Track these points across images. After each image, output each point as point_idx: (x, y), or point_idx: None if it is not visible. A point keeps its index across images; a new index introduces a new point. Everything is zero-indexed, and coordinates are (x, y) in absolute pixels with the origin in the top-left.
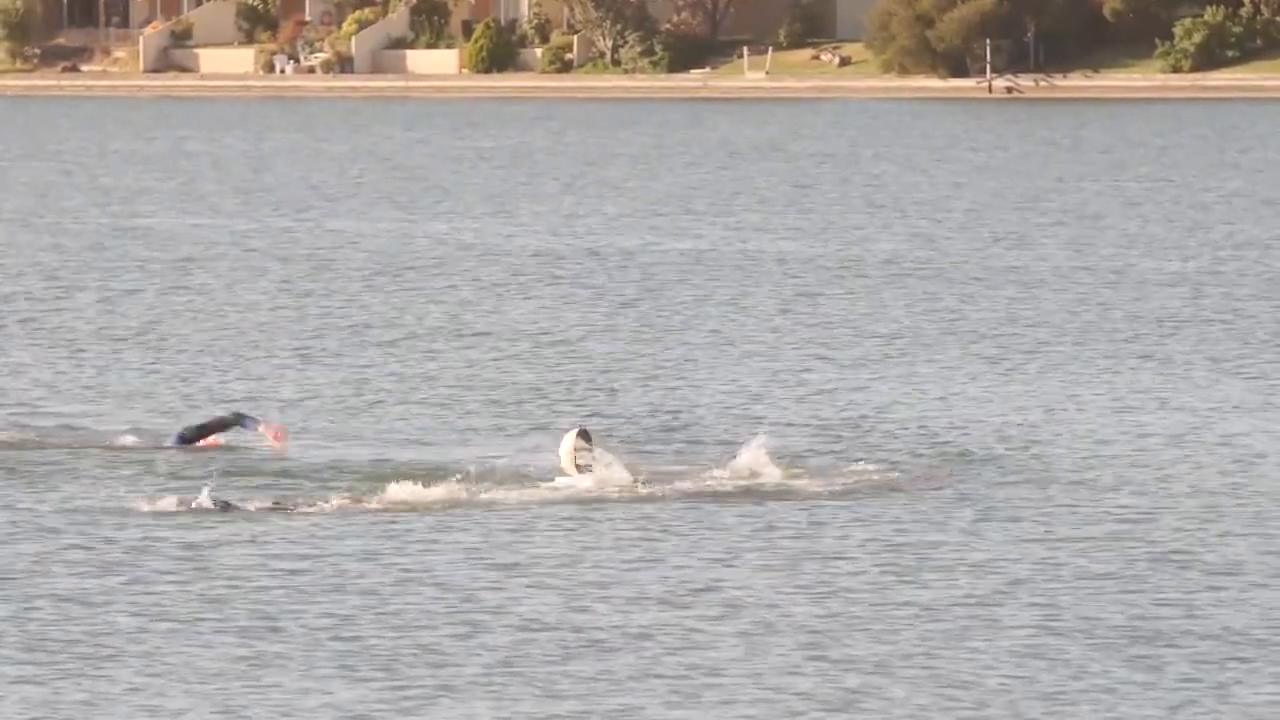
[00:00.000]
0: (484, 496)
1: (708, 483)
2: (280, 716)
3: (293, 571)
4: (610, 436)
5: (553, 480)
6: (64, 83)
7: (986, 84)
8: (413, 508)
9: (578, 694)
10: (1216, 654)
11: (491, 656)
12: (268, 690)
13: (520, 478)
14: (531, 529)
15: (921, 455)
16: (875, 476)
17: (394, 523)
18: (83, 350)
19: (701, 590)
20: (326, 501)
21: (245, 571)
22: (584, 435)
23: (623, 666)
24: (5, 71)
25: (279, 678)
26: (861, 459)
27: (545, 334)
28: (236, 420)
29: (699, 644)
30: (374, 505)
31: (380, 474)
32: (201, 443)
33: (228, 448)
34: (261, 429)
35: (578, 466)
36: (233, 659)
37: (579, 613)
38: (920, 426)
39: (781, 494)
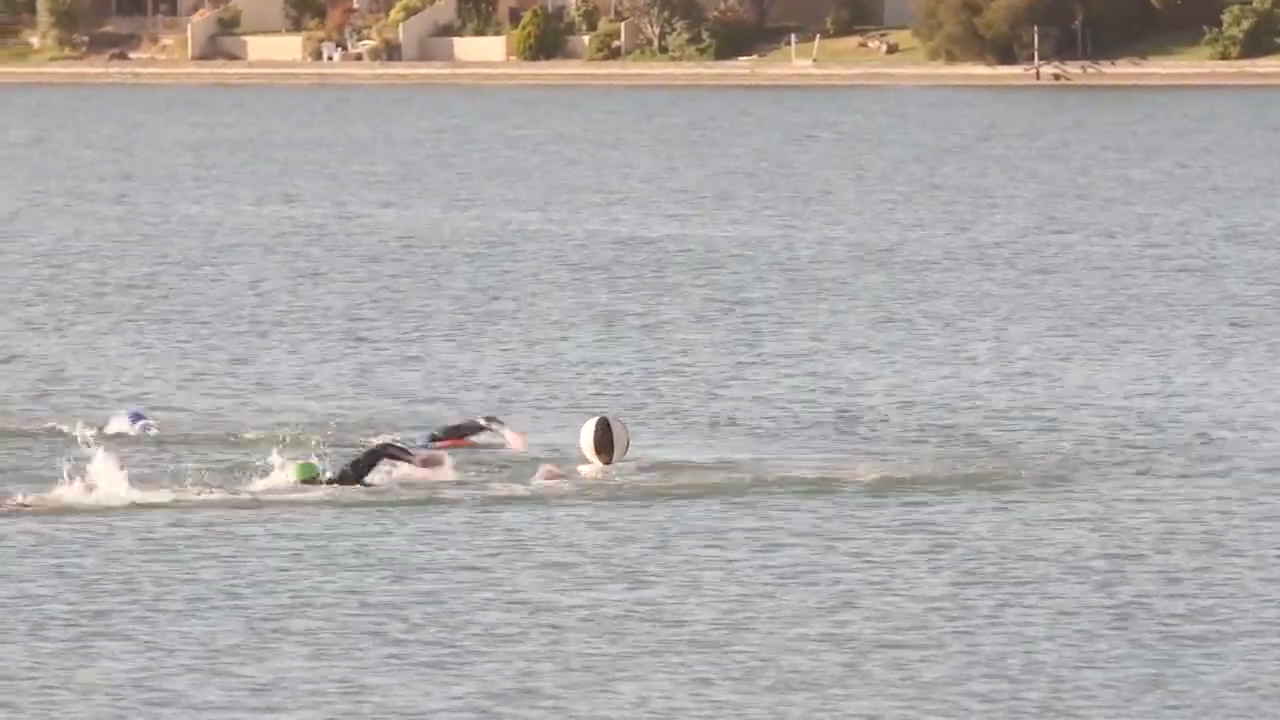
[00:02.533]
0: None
1: (803, 473)
2: (395, 714)
3: (375, 566)
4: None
5: (575, 467)
6: (112, 70)
7: (1034, 71)
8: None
9: (664, 689)
10: None
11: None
12: (375, 687)
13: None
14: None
15: (1042, 445)
16: (997, 465)
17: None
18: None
19: (814, 584)
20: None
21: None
22: (603, 424)
23: (698, 661)
24: (54, 59)
25: (381, 677)
26: (981, 447)
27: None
28: (487, 425)
29: (810, 641)
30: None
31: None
32: (449, 443)
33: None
34: (506, 433)
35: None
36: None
37: (657, 604)
38: (1032, 413)
39: (901, 485)
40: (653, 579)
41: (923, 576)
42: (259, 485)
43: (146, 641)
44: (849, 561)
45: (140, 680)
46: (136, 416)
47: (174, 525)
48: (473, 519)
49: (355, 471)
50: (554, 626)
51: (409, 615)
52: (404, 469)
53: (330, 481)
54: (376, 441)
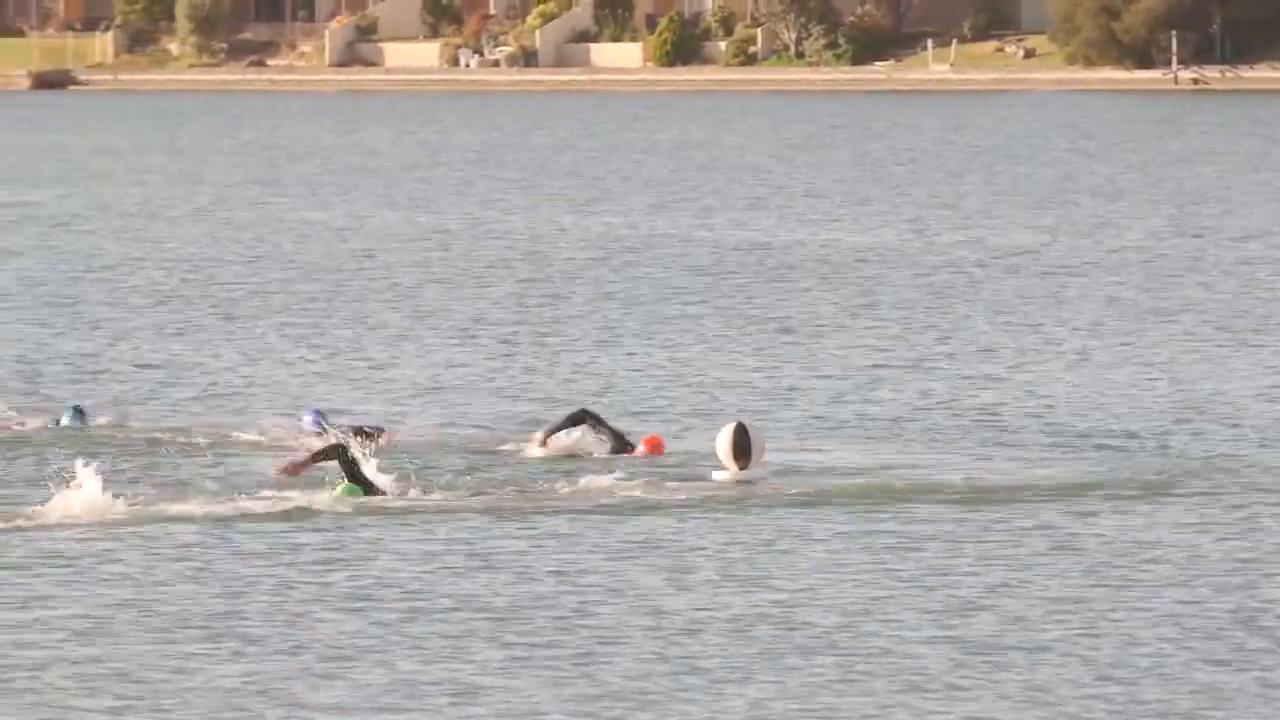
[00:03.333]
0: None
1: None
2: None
3: (474, 567)
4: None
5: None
6: (250, 77)
7: (1172, 76)
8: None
9: (777, 695)
10: None
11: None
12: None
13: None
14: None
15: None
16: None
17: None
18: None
19: (937, 588)
20: (476, 493)
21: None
22: (740, 429)
23: (817, 666)
24: (192, 66)
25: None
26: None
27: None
28: (587, 419)
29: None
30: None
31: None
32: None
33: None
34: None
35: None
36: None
37: (785, 610)
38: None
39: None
40: (774, 583)
41: (1049, 580)
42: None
43: (266, 644)
44: (975, 565)
45: (259, 682)
46: (318, 416)
47: (309, 529)
48: (595, 523)
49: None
50: (671, 630)
51: (528, 618)
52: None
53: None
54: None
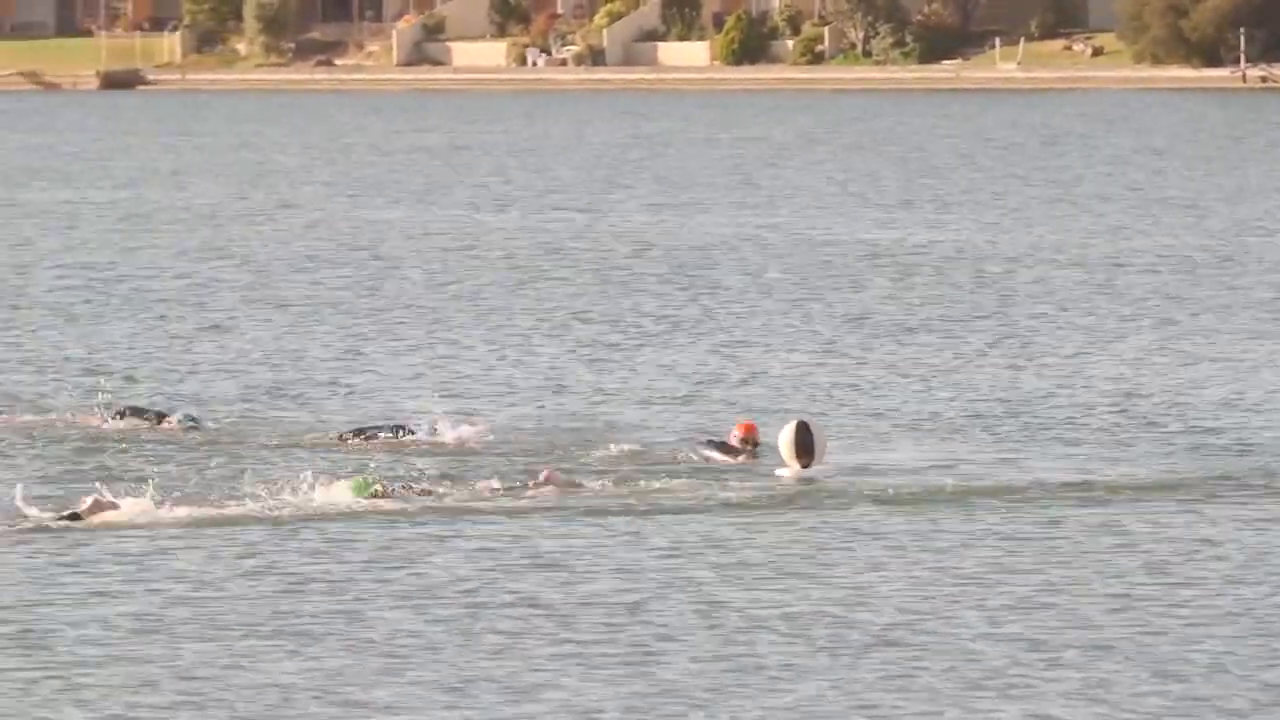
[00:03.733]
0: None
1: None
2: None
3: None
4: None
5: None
6: (318, 76)
7: (1240, 74)
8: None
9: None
10: None
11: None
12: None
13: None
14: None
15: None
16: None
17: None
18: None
19: (998, 586)
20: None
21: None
22: (803, 427)
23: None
24: (260, 66)
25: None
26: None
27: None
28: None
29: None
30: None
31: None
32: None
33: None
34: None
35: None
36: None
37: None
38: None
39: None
40: (834, 580)
41: (1110, 578)
42: (455, 489)
43: (330, 642)
44: (1034, 563)
45: (320, 680)
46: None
47: (367, 526)
48: (656, 523)
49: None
50: (730, 628)
51: (592, 617)
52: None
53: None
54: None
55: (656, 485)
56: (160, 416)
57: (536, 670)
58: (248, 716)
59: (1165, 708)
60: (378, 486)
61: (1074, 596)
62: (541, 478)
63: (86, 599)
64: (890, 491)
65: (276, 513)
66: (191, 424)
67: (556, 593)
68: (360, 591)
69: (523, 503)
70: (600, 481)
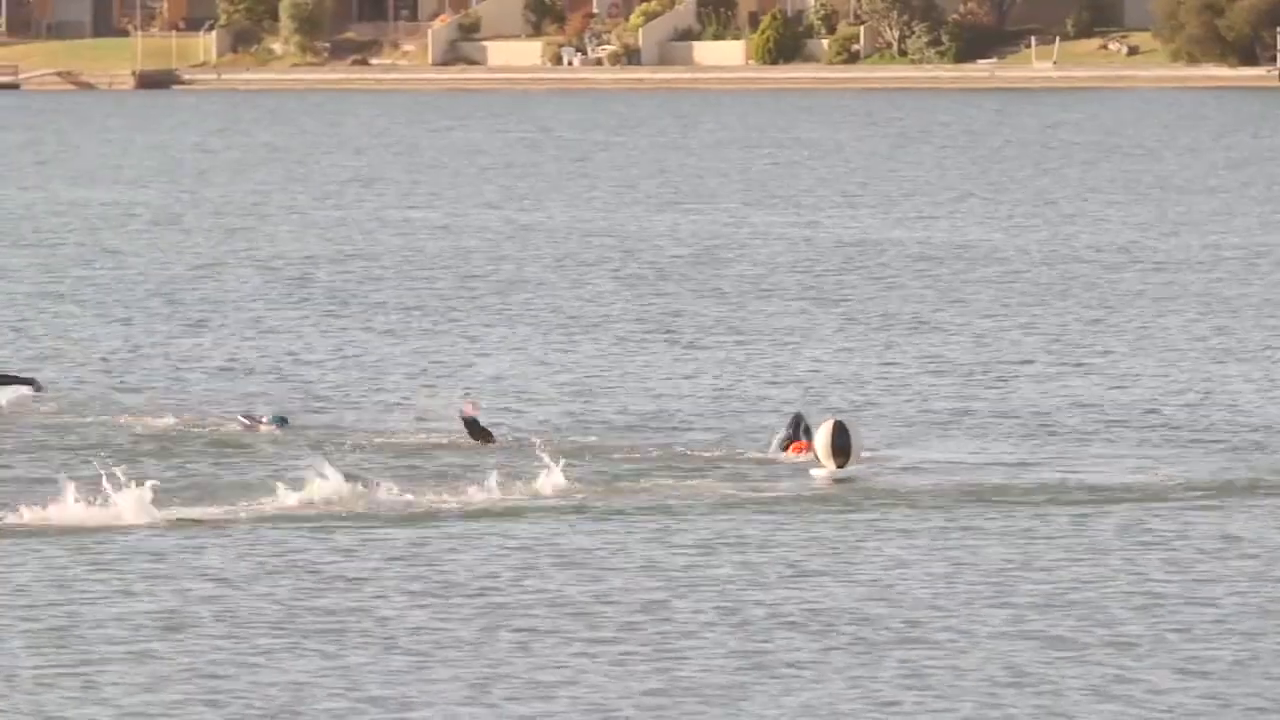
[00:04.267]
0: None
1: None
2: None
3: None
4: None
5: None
6: (353, 76)
7: (1276, 72)
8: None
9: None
10: None
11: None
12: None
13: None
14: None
15: None
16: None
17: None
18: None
19: (1023, 583)
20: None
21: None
22: (840, 427)
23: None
24: (296, 65)
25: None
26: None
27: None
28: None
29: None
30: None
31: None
32: (792, 449)
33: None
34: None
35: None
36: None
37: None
38: None
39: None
40: (864, 579)
41: (1135, 576)
42: (485, 489)
43: (364, 639)
44: (1062, 562)
45: (354, 676)
46: None
47: (393, 525)
48: (690, 522)
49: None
50: (767, 625)
51: (620, 614)
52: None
53: None
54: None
55: (676, 484)
56: (253, 421)
57: (558, 668)
58: (271, 713)
59: (1195, 705)
60: None
61: (1098, 594)
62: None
63: (110, 597)
64: (923, 491)
65: (310, 511)
66: (280, 423)
67: (579, 591)
68: (381, 589)
69: (546, 501)
70: (624, 481)
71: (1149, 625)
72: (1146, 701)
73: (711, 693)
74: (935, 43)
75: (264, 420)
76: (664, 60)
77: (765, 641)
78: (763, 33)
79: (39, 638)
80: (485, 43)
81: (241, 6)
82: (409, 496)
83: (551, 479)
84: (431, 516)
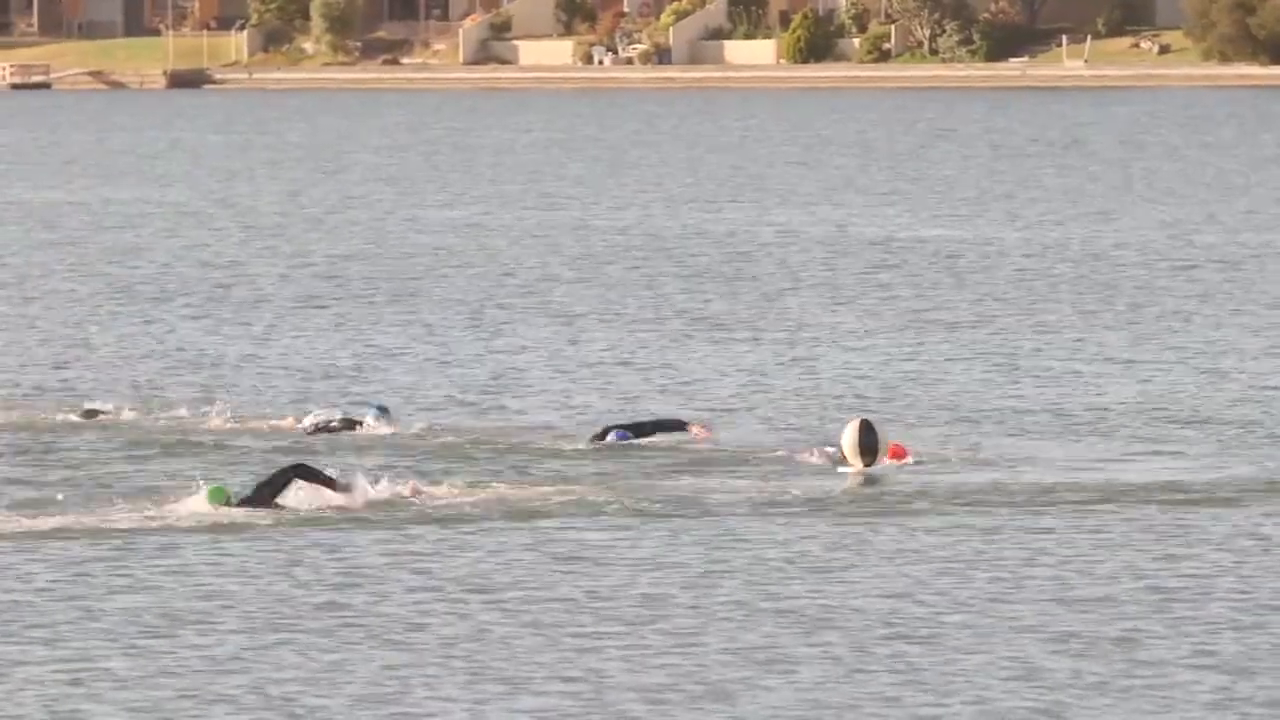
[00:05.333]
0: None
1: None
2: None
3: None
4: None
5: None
6: (384, 75)
7: None
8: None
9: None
10: None
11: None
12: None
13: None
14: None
15: None
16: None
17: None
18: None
19: (1032, 584)
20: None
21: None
22: (866, 426)
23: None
24: (327, 64)
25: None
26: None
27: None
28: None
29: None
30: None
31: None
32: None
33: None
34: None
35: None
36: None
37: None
38: None
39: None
40: (888, 580)
41: (1169, 578)
42: (504, 489)
43: (389, 639)
44: (1092, 563)
45: (377, 674)
46: (379, 412)
47: (417, 525)
48: (704, 522)
49: (268, 491)
50: (802, 624)
51: (640, 612)
52: (324, 493)
53: (243, 503)
54: (288, 461)
55: (697, 485)
56: (351, 423)
57: (568, 665)
58: (295, 714)
59: (1212, 704)
60: (230, 496)
61: (1129, 596)
62: (408, 490)
63: (123, 593)
64: (950, 491)
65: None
66: (380, 413)
67: (583, 588)
68: (404, 588)
69: (561, 501)
70: (644, 481)
71: (1166, 624)
72: (1163, 700)
73: (720, 689)
74: (966, 41)
75: (368, 418)
76: (695, 59)
77: (783, 640)
78: (794, 32)
79: (47, 632)
80: (516, 42)
81: (273, 6)
82: (428, 494)
83: (563, 475)
84: (447, 515)
